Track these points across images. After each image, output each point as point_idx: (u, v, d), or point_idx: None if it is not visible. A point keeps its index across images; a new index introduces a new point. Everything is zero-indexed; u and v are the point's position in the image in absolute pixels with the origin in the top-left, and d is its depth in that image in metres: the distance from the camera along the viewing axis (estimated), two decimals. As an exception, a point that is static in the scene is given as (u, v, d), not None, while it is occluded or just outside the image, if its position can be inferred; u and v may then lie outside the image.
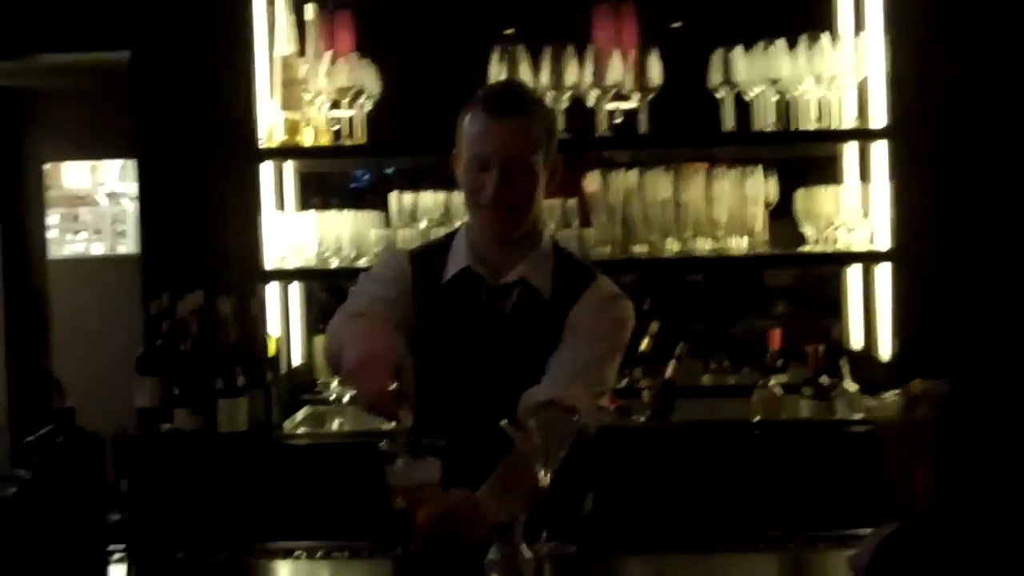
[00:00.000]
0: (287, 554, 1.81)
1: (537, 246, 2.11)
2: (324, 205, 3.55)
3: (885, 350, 3.24)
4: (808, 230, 3.29)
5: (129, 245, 5.16)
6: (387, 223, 3.43)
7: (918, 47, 3.18)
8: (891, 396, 1.63)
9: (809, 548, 1.81)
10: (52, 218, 5.30)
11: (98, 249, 5.34)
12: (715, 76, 3.25)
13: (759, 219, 3.24)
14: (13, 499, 1.48)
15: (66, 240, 5.33)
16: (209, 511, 2.61)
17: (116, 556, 1.71)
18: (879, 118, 3.24)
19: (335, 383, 3.30)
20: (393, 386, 1.73)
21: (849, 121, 3.26)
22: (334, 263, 3.30)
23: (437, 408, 2.04)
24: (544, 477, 1.77)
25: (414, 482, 1.76)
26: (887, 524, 1.40)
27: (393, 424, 1.76)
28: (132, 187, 4.61)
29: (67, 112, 5.10)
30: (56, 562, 1.49)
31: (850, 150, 3.47)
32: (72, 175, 5.35)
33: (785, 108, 3.24)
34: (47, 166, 5.29)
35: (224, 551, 1.81)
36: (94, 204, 5.34)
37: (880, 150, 3.27)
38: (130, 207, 5.18)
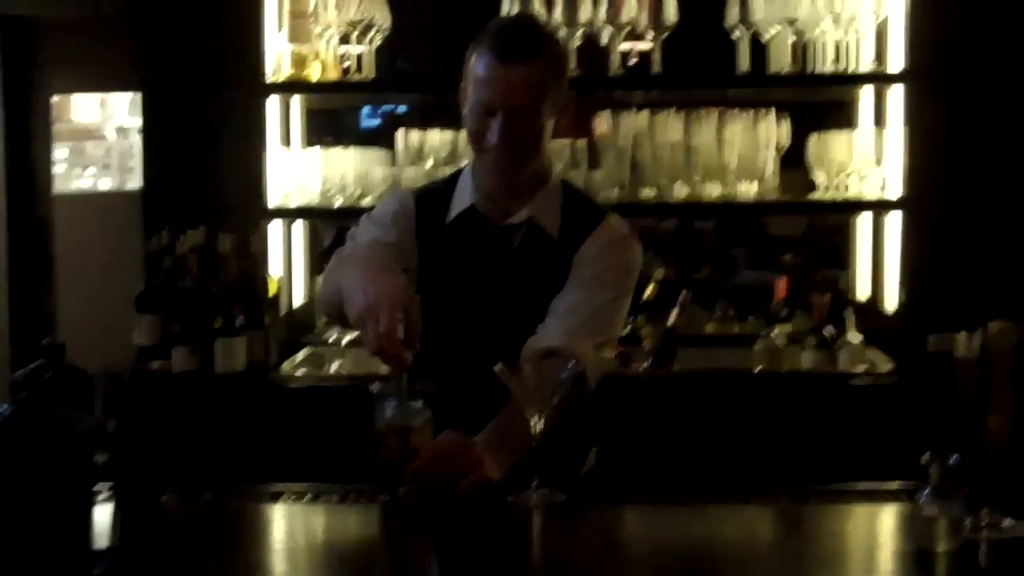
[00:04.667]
0: (274, 497, 1.79)
1: (545, 185, 2.07)
2: (333, 143, 3.50)
3: (891, 301, 3.19)
4: (819, 177, 3.23)
5: (137, 181, 5.12)
6: (394, 162, 3.39)
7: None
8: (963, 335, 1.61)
9: (801, 502, 1.79)
10: (60, 152, 5.26)
11: (105, 184, 5.31)
12: (732, 15, 3.18)
13: (770, 165, 3.18)
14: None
15: (73, 175, 5.30)
16: (203, 452, 2.60)
17: (102, 496, 1.69)
18: (897, 63, 3.16)
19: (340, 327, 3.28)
20: (400, 332, 1.70)
21: (866, 65, 3.18)
22: (338, 202, 3.26)
23: (439, 349, 2.03)
24: (537, 423, 1.75)
25: (404, 425, 1.74)
26: None
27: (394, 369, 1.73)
28: (141, 122, 4.57)
29: (76, 43, 5.04)
30: (39, 501, 1.48)
31: (866, 95, 3.39)
32: (81, 109, 5.31)
33: (802, 51, 3.17)
34: (55, 98, 5.24)
35: (209, 492, 1.80)
36: (103, 138, 5.30)
37: (896, 96, 3.20)
38: (139, 142, 5.14)
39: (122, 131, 5.30)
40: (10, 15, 4.96)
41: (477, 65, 1.95)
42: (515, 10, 3.16)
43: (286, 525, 1.76)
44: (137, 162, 5.17)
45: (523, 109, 1.94)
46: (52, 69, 5.14)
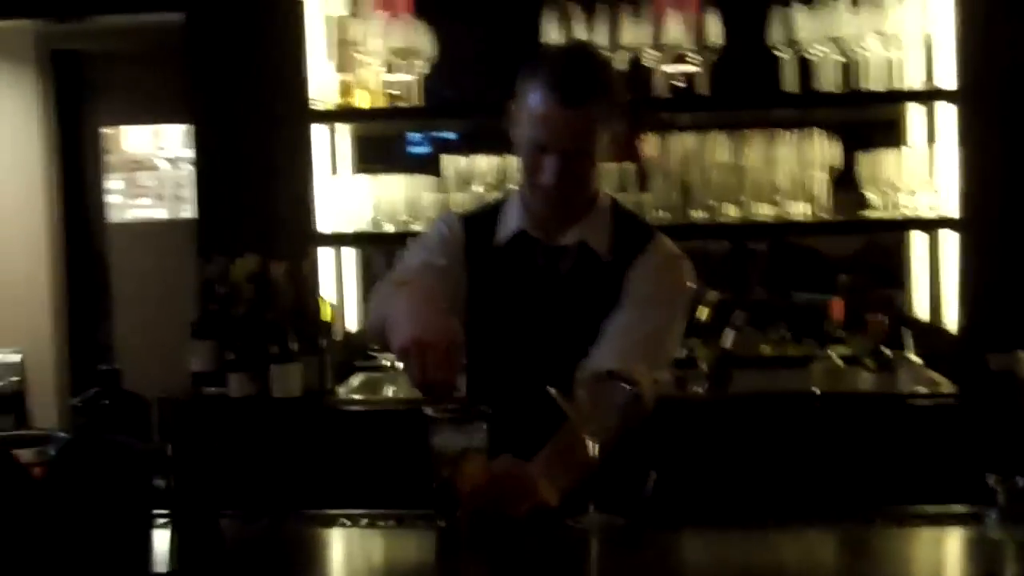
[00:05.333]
0: (330, 522, 1.79)
1: (594, 205, 2.06)
2: (381, 170, 3.53)
3: (951, 321, 3.14)
4: (872, 195, 3.20)
5: (190, 210, 5.19)
6: (441, 187, 3.41)
7: (986, 4, 3.06)
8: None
9: (866, 525, 1.76)
10: (114, 183, 5.35)
11: (159, 214, 5.39)
12: (776, 34, 3.16)
13: (821, 184, 3.15)
14: (54, 461, 1.48)
15: (127, 205, 5.39)
16: (260, 477, 2.61)
17: (160, 521, 1.70)
18: (946, 79, 3.13)
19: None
20: (444, 368, 1.71)
21: (915, 82, 3.15)
22: (388, 228, 3.28)
23: (491, 373, 2.02)
24: (593, 447, 1.74)
25: (459, 449, 1.73)
26: None
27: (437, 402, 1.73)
28: (192, 152, 4.65)
29: (126, 76, 5.13)
30: (99, 526, 1.49)
31: (915, 112, 3.36)
32: (133, 140, 5.40)
33: (848, 69, 3.15)
34: (107, 130, 5.34)
35: (265, 517, 1.80)
36: (155, 169, 5.39)
37: (947, 112, 3.16)
38: (191, 172, 5.21)
39: (174, 161, 5.38)
40: (62, 49, 5.06)
41: (533, 99, 1.92)
42: (556, 35, 3.16)
43: (343, 549, 1.75)
44: (189, 191, 5.25)
45: (579, 151, 1.93)
46: (103, 102, 5.24)
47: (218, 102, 3.33)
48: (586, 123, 1.91)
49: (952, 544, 1.72)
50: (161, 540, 1.67)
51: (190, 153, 5.08)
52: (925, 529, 1.75)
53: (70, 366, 5.05)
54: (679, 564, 1.70)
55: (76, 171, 5.23)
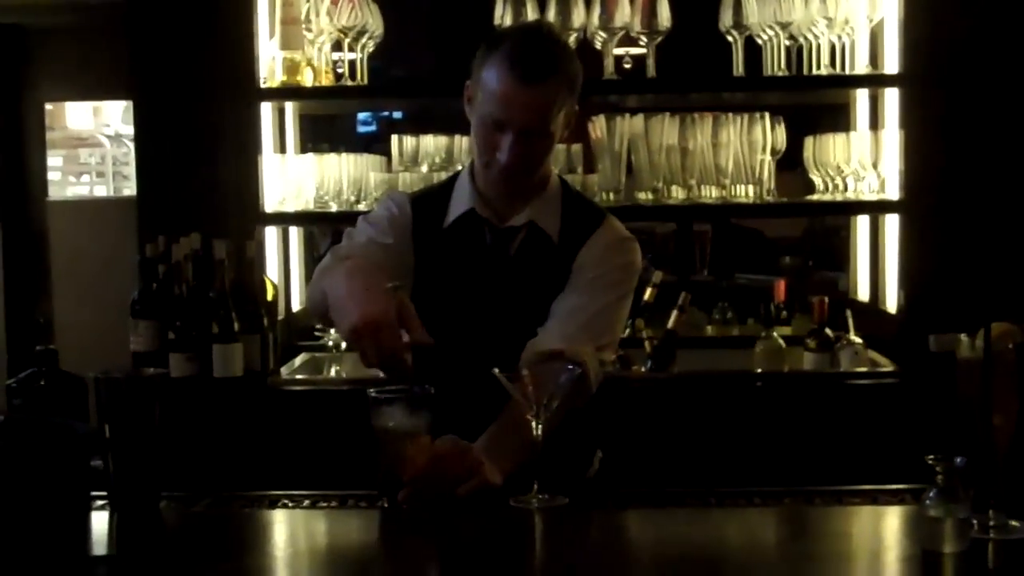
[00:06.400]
0: (272, 503, 1.78)
1: (545, 187, 2.05)
2: (328, 149, 3.50)
3: (891, 302, 3.19)
4: (817, 179, 3.23)
5: (132, 187, 5.12)
6: (389, 167, 3.39)
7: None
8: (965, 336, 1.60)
9: (804, 504, 1.78)
10: (55, 160, 5.26)
11: (101, 191, 5.31)
12: (726, 19, 3.18)
13: (767, 168, 3.18)
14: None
15: (69, 182, 5.30)
16: (200, 458, 2.58)
17: (98, 504, 1.68)
18: (892, 65, 3.16)
19: (334, 331, 3.27)
20: (401, 344, 1.69)
21: (861, 68, 3.18)
22: (333, 207, 3.25)
23: (439, 354, 2.01)
24: (537, 427, 1.74)
25: (402, 430, 1.73)
26: None
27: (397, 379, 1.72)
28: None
29: (69, 51, 5.05)
30: (36, 508, 1.46)
31: (861, 98, 3.39)
32: (75, 116, 5.31)
33: (797, 54, 3.17)
34: (49, 106, 5.24)
35: (207, 498, 1.79)
36: (97, 146, 5.30)
37: (892, 98, 3.19)
38: (133, 149, 5.14)
39: (117, 138, 5.30)
40: (2, 23, 4.95)
41: (491, 76, 1.91)
42: (508, 16, 3.14)
43: (285, 531, 1.74)
44: (132, 169, 5.18)
45: (537, 129, 1.92)
46: (45, 77, 5.14)
47: (161, 78, 3.27)
48: (545, 101, 1.90)
49: (891, 522, 1.74)
50: (99, 523, 1.65)
51: (133, 130, 5.02)
52: (864, 507, 1.77)
53: (7, 346, 4.97)
54: (623, 543, 1.71)
55: (16, 147, 5.13)
